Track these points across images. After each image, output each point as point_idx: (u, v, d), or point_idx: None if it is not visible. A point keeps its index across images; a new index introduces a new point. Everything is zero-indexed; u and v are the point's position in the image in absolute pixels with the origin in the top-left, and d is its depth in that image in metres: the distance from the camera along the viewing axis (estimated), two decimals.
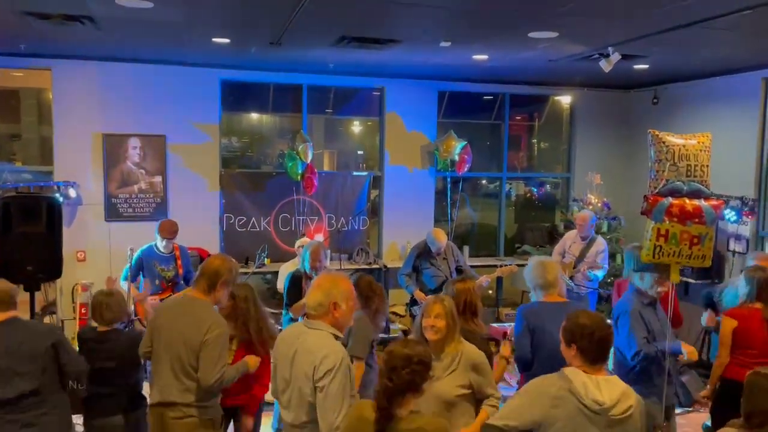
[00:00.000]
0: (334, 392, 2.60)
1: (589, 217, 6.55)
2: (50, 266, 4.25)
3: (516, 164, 9.59)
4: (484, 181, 9.74)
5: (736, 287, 4.31)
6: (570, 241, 6.68)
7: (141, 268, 5.71)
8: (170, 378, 3.22)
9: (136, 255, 5.73)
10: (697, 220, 3.12)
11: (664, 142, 3.20)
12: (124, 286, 5.67)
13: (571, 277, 6.37)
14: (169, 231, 5.67)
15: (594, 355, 2.53)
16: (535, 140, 10.06)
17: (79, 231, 7.12)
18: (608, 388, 2.47)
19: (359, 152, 9.44)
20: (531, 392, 2.55)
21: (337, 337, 2.79)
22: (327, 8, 4.56)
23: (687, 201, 3.14)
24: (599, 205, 7.72)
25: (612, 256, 7.77)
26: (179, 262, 5.76)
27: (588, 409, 2.43)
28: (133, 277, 5.72)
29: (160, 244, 5.69)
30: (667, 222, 3.15)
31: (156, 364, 3.34)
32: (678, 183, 3.18)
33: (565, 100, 8.98)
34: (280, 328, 5.90)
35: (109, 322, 3.66)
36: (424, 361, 2.45)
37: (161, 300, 5.64)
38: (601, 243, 6.58)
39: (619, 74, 7.09)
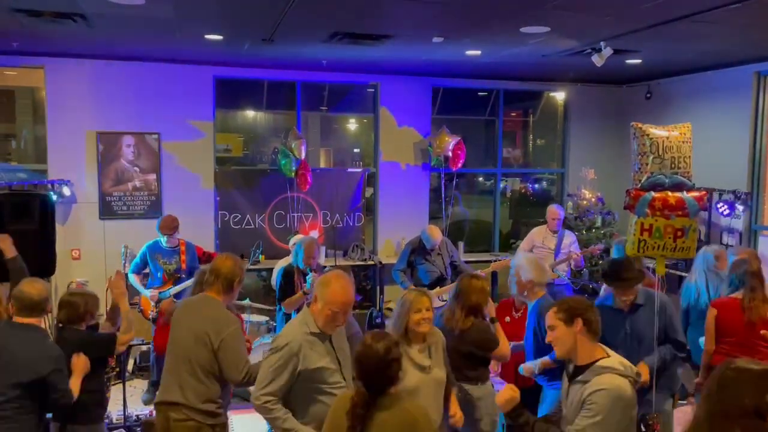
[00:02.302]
0: (265, 366, 2.87)
1: (560, 212, 6.68)
2: (43, 264, 4.26)
3: (511, 160, 9.61)
4: (481, 178, 9.75)
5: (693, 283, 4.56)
6: (541, 236, 6.75)
7: (146, 261, 5.87)
8: (176, 377, 3.22)
9: (142, 249, 5.92)
10: (680, 212, 3.14)
11: (647, 135, 3.21)
12: (131, 279, 5.86)
13: (552, 269, 6.45)
14: (169, 227, 5.78)
15: (597, 329, 2.57)
16: (530, 136, 10.08)
17: (73, 229, 7.14)
18: (623, 360, 2.55)
19: (356, 150, 9.45)
20: (617, 410, 2.41)
21: (311, 329, 2.90)
22: (318, 4, 4.56)
23: (669, 194, 3.15)
24: (593, 200, 7.76)
25: (606, 251, 7.81)
26: (183, 256, 5.83)
27: (633, 387, 2.49)
28: (139, 270, 5.94)
29: (163, 239, 5.81)
30: (650, 216, 3.16)
31: (167, 362, 3.34)
32: (660, 176, 3.19)
33: (559, 95, 8.99)
34: (274, 324, 5.97)
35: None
36: (397, 358, 2.48)
37: (161, 293, 5.79)
38: (570, 235, 6.75)
39: (612, 69, 7.11)
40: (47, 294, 3.35)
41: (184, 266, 5.84)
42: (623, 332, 3.63)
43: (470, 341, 3.57)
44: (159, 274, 5.81)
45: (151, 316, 5.83)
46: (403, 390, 2.97)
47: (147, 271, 5.98)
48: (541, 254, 6.53)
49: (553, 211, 6.69)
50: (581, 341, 2.55)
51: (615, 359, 2.54)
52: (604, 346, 2.63)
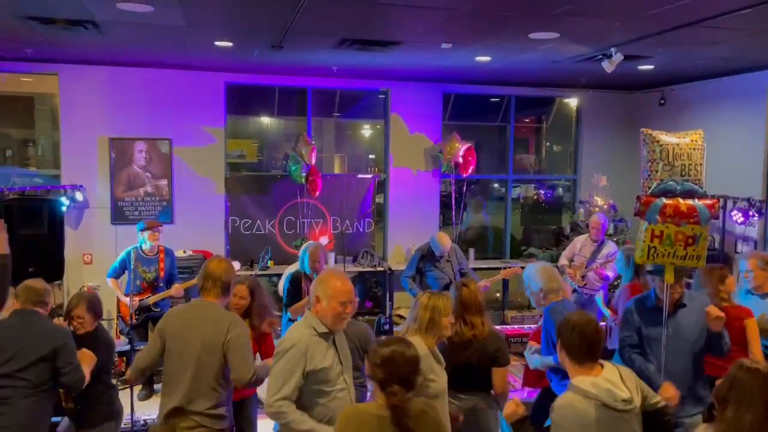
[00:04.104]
0: (275, 372, 2.83)
1: (603, 222, 6.53)
2: (52, 268, 4.29)
3: (526, 167, 9.55)
4: (496, 185, 9.70)
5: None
6: (580, 244, 6.67)
7: (124, 267, 5.81)
8: (182, 385, 3.18)
9: (121, 255, 5.87)
10: (691, 220, 3.08)
11: (658, 141, 3.17)
12: (109, 284, 5.84)
13: (582, 277, 6.37)
14: (154, 225, 5.82)
15: (578, 351, 2.52)
16: (543, 142, 10.02)
17: (86, 234, 7.20)
18: (614, 378, 2.48)
19: (370, 156, 9.44)
20: (566, 426, 2.45)
21: (317, 330, 2.88)
22: (325, 11, 4.57)
23: (681, 201, 3.10)
24: (605, 207, 7.68)
25: None
26: (162, 264, 5.82)
27: (619, 411, 2.43)
28: (117, 275, 5.89)
29: (145, 245, 5.80)
30: (661, 223, 3.11)
31: (169, 373, 3.28)
32: (671, 183, 3.13)
33: (572, 101, 8.93)
34: (279, 330, 5.95)
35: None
36: (419, 359, 2.48)
37: (140, 300, 5.73)
38: (611, 246, 6.56)
39: (625, 75, 7.04)
40: (50, 290, 3.49)
41: (162, 274, 5.82)
42: (666, 333, 3.50)
43: (493, 346, 3.53)
44: (138, 281, 5.73)
45: (131, 323, 5.80)
46: (440, 391, 3.07)
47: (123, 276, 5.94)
48: (578, 262, 6.52)
49: (595, 220, 6.55)
50: (564, 359, 2.60)
51: (589, 380, 2.46)
52: (607, 366, 2.55)
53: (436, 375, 3.09)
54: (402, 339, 2.65)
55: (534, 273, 3.82)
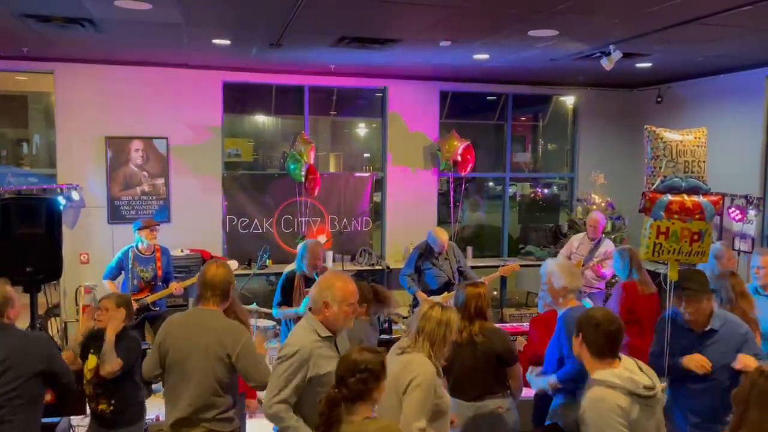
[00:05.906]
0: (276, 374, 2.86)
1: (601, 220, 6.53)
2: (50, 267, 4.26)
3: (522, 165, 9.56)
4: (491, 183, 9.71)
5: None
6: (577, 242, 6.68)
7: (121, 267, 5.80)
8: (187, 394, 3.15)
9: (117, 255, 5.85)
10: (697, 216, 3.09)
11: (661, 138, 3.17)
12: (106, 286, 5.78)
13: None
14: (152, 223, 5.84)
15: (598, 347, 2.56)
16: (539, 140, 10.02)
17: (82, 233, 7.15)
18: (632, 367, 2.53)
19: (366, 155, 9.43)
20: (603, 418, 2.43)
21: (321, 334, 2.86)
22: (324, 8, 4.55)
23: (686, 197, 3.10)
24: (603, 205, 7.69)
25: None
26: (159, 263, 5.80)
27: (644, 398, 2.46)
28: (114, 277, 5.85)
29: (142, 244, 5.79)
30: (667, 219, 3.11)
31: (174, 383, 3.23)
32: (676, 180, 3.14)
33: (568, 99, 8.94)
34: (280, 328, 5.93)
35: None
36: (371, 369, 2.38)
37: (137, 300, 5.66)
38: (608, 244, 6.56)
39: (623, 73, 7.06)
40: (13, 293, 3.29)
41: (160, 273, 5.81)
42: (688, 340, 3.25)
43: (495, 346, 3.48)
44: (135, 281, 5.71)
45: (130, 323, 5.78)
46: (445, 410, 3.03)
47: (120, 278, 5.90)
48: (574, 260, 6.49)
49: (592, 218, 6.54)
50: (584, 355, 2.63)
51: (610, 372, 2.52)
52: (624, 358, 2.59)
53: (442, 393, 3.03)
54: (366, 347, 2.55)
55: (557, 269, 3.58)
